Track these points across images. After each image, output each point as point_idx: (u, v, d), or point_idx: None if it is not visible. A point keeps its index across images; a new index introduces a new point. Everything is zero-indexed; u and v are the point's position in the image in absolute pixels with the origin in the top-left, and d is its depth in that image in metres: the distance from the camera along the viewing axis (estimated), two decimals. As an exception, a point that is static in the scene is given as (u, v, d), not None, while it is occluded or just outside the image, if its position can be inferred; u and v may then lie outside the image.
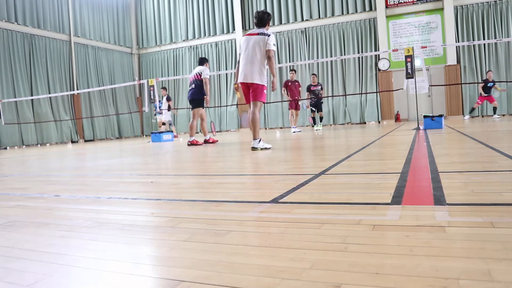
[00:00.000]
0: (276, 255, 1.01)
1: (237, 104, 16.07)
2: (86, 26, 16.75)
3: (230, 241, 1.16)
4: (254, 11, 16.86)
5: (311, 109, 11.17)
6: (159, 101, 12.70)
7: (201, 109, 7.22)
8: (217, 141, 7.62)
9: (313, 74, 11.43)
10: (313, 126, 11.56)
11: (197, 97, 7.17)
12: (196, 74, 7.20)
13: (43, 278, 0.96)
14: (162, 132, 10.11)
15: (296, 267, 0.92)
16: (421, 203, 1.49)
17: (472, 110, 12.52)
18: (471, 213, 1.31)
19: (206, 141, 7.43)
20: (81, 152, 7.59)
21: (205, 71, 7.17)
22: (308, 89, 10.99)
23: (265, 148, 4.80)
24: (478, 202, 1.45)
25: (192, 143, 7.00)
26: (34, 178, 3.34)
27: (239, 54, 5.11)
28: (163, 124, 12.16)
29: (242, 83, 4.98)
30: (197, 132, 13.72)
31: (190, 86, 7.30)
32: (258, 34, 4.90)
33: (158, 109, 11.96)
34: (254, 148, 4.80)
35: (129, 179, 2.96)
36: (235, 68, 16.77)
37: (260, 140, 4.84)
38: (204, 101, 7.24)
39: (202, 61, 7.37)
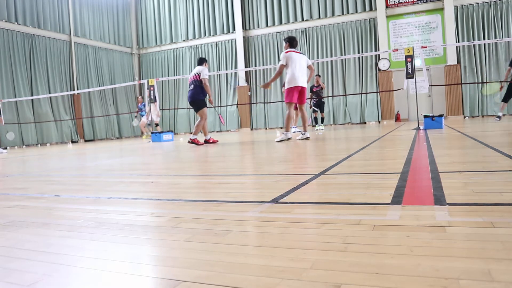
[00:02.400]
0: (276, 255, 1.01)
1: (237, 104, 16.05)
2: (86, 26, 16.74)
3: (230, 241, 1.16)
4: (255, 11, 17.02)
5: (313, 109, 11.29)
6: (143, 104, 13.21)
7: (205, 109, 7.20)
8: (217, 141, 7.62)
9: (317, 75, 11.20)
10: (314, 126, 11.59)
11: (198, 98, 7.14)
12: (195, 74, 7.16)
13: (43, 278, 0.96)
14: (162, 132, 10.12)
15: (296, 267, 0.92)
16: (421, 203, 1.49)
17: None
18: (471, 213, 1.31)
19: (206, 141, 7.43)
20: (81, 152, 7.59)
21: (204, 71, 7.12)
22: (311, 90, 11.02)
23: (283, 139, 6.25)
24: (478, 202, 1.44)
25: (193, 142, 7.02)
26: (34, 178, 3.34)
27: (288, 64, 6.30)
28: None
29: (298, 87, 6.31)
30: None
31: (189, 87, 7.27)
32: (300, 53, 6.39)
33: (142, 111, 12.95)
34: (281, 140, 6.14)
35: (129, 179, 2.96)
36: (235, 68, 16.92)
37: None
38: (207, 102, 7.24)
39: (201, 61, 7.32)
